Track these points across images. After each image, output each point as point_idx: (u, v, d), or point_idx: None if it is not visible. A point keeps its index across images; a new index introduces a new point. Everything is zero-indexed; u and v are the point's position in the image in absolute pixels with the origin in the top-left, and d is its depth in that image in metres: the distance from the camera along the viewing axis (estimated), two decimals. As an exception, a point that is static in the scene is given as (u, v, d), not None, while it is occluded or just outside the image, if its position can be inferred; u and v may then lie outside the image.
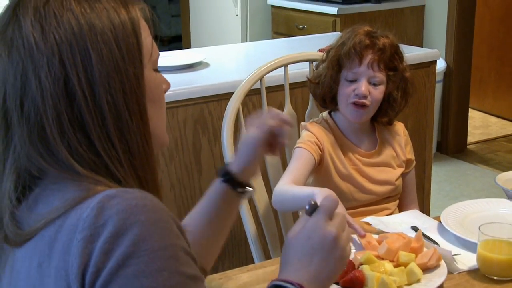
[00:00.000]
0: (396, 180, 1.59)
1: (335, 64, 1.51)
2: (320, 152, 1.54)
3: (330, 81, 1.52)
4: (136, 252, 0.66)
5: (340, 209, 0.82)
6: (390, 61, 1.50)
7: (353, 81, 1.49)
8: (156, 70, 0.83)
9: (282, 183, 1.46)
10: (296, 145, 1.56)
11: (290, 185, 1.43)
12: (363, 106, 1.50)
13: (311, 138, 1.54)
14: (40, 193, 0.76)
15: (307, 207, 0.81)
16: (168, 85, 0.86)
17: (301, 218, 0.83)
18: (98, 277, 0.66)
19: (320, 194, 1.24)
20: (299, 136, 1.61)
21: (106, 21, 0.75)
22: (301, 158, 1.52)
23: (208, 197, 1.08)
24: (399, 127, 1.64)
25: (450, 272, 1.20)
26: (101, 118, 0.73)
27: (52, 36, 0.73)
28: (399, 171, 1.61)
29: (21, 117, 0.73)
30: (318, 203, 0.82)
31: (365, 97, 1.48)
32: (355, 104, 1.50)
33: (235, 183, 1.06)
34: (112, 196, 0.69)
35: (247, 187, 1.08)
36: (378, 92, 1.50)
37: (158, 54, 0.84)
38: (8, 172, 0.75)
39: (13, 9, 0.76)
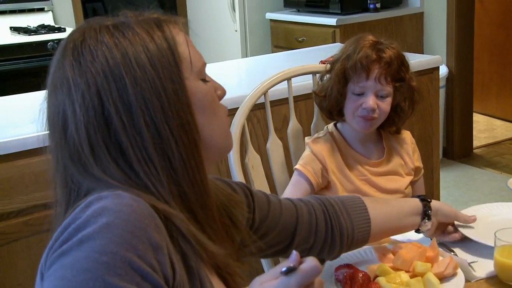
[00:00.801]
0: (406, 188, 1.57)
1: (342, 78, 1.49)
2: (324, 174, 1.52)
3: (337, 95, 1.50)
4: (78, 247, 0.68)
5: (318, 283, 0.72)
6: (397, 73, 1.48)
7: (360, 94, 1.48)
8: (204, 79, 0.85)
9: None
10: (298, 164, 1.55)
11: None
12: (372, 118, 1.49)
13: (312, 162, 1.53)
14: None
15: (283, 269, 0.71)
16: (223, 91, 0.88)
17: (276, 269, 0.73)
18: (48, 259, 0.70)
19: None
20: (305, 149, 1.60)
21: (139, 46, 0.78)
22: (298, 186, 1.52)
23: (400, 203, 1.27)
24: (406, 135, 1.63)
25: (467, 280, 1.18)
26: (140, 140, 0.76)
27: (89, 71, 0.77)
28: (408, 179, 1.59)
29: (65, 149, 0.78)
30: (298, 266, 0.71)
31: (373, 111, 1.47)
32: (363, 117, 1.49)
33: (427, 207, 1.25)
34: (103, 197, 0.72)
35: (429, 220, 1.26)
36: (386, 104, 1.48)
37: (203, 63, 0.85)
38: (71, 199, 0.80)
39: (61, 54, 0.81)
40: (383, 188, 1.54)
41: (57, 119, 0.78)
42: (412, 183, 1.61)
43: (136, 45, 0.78)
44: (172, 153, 0.77)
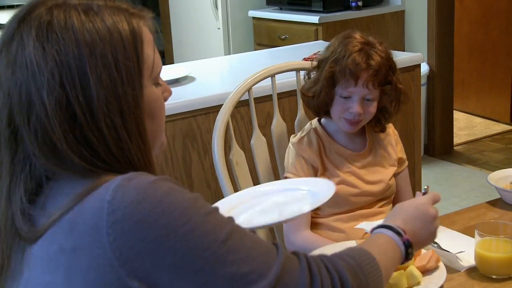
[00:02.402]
0: (390, 179, 1.59)
1: (330, 81, 1.50)
2: (313, 174, 1.54)
3: (325, 98, 1.51)
4: (164, 212, 0.72)
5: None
6: (385, 77, 1.49)
7: (347, 97, 1.49)
8: (157, 83, 0.84)
9: (308, 236, 1.49)
10: (288, 173, 1.56)
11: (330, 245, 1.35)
12: (357, 122, 1.51)
13: (301, 167, 1.54)
14: (49, 193, 0.79)
15: (423, 190, 1.11)
16: (169, 93, 0.88)
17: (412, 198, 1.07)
18: (146, 246, 0.71)
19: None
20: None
21: (107, 44, 0.77)
22: None
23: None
24: (389, 128, 1.65)
25: (452, 272, 1.20)
26: (102, 138, 0.76)
27: (53, 59, 0.75)
28: (392, 170, 1.61)
29: (28, 131, 0.77)
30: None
31: (359, 115, 1.49)
32: (348, 121, 1.50)
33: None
34: (130, 178, 0.74)
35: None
36: (372, 108, 1.50)
37: (161, 68, 0.85)
38: (18, 178, 0.78)
39: (18, 23, 0.78)
40: (367, 179, 1.56)
41: (17, 100, 0.76)
42: (396, 175, 1.63)
43: (104, 42, 0.76)
44: (131, 155, 0.79)
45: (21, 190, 0.78)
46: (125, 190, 0.72)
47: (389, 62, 1.50)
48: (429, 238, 1.02)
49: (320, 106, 1.53)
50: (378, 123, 1.57)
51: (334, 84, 1.50)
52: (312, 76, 1.58)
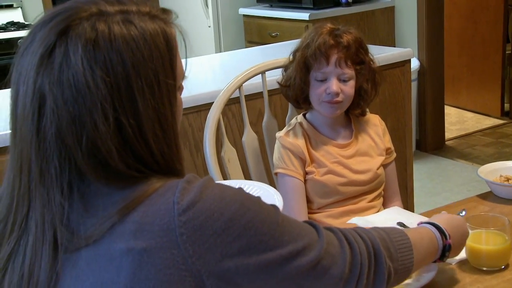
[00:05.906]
0: (378, 169, 1.60)
1: (303, 66, 1.53)
2: (302, 165, 1.56)
3: (301, 83, 1.54)
4: (225, 199, 0.79)
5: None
6: (356, 56, 1.52)
7: (323, 80, 1.52)
8: (179, 87, 0.87)
9: None
10: (278, 168, 1.57)
11: None
12: (337, 102, 1.52)
13: (289, 159, 1.55)
14: (85, 196, 0.79)
15: (463, 212, 1.33)
16: (182, 89, 0.90)
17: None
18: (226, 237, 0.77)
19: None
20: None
21: (149, 62, 0.79)
22: (292, 192, 1.53)
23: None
24: (375, 118, 1.67)
25: (443, 265, 1.21)
26: (149, 152, 0.80)
27: (103, 81, 0.76)
28: (379, 159, 1.62)
29: (80, 151, 0.77)
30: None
31: (337, 94, 1.51)
32: (328, 102, 1.52)
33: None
34: (189, 181, 0.79)
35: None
36: (349, 87, 1.53)
37: (184, 72, 0.88)
38: (60, 189, 0.78)
39: (57, 36, 0.77)
40: (354, 169, 1.58)
41: (66, 114, 0.76)
42: (384, 166, 1.64)
43: (146, 61, 0.78)
44: (173, 163, 0.84)
45: (64, 201, 0.78)
46: (189, 192, 0.77)
47: (358, 41, 1.53)
48: (458, 252, 1.12)
49: (297, 93, 1.56)
50: (358, 107, 1.59)
51: (308, 70, 1.53)
52: (289, 70, 1.60)
